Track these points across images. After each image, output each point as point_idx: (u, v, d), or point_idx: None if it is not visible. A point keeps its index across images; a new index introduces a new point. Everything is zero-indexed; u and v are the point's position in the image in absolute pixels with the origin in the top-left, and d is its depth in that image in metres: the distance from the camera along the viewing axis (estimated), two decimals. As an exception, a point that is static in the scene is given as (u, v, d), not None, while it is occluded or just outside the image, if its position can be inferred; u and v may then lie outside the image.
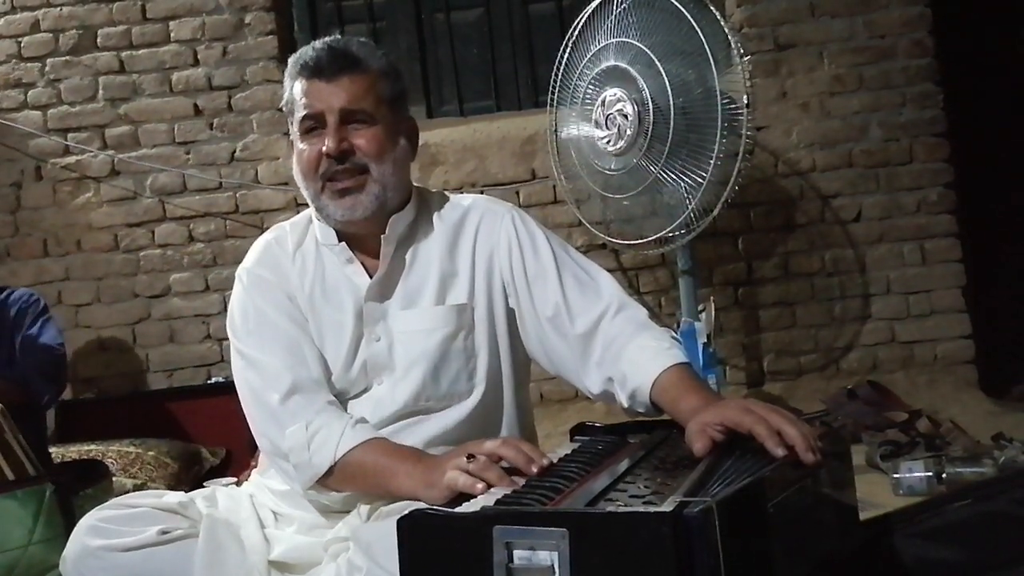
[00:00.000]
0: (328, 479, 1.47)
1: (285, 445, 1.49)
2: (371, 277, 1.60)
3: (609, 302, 1.57)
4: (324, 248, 1.63)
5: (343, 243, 1.62)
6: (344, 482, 1.47)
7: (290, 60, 1.61)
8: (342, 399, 1.57)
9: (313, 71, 1.56)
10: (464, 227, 1.65)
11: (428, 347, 1.56)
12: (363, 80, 1.56)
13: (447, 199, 1.70)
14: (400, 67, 1.67)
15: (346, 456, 1.45)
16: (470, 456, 1.31)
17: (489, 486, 1.26)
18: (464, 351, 1.58)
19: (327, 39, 1.61)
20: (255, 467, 1.72)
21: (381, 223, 1.59)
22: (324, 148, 1.55)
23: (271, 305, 1.59)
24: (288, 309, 1.59)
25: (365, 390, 1.58)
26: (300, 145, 1.59)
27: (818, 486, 1.27)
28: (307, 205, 1.69)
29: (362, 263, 1.62)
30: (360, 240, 1.62)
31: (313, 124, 1.57)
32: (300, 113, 1.57)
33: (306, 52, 1.59)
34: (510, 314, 1.63)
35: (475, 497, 1.24)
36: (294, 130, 1.61)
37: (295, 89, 1.58)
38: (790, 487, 1.18)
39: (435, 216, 1.66)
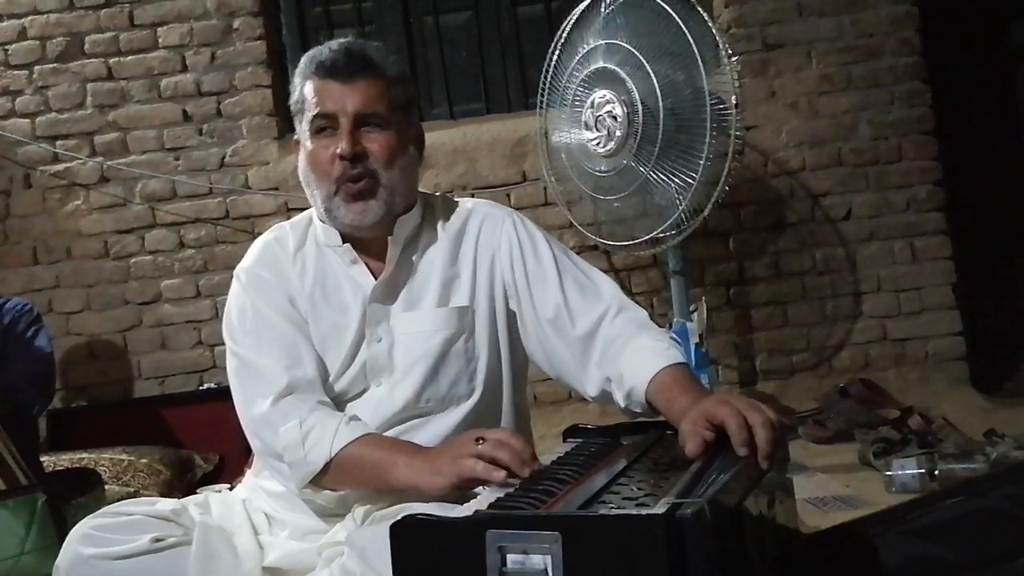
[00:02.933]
0: (323, 477, 1.47)
1: (279, 444, 1.48)
2: (375, 278, 1.60)
3: (609, 304, 1.58)
4: (326, 249, 1.63)
5: (347, 244, 1.62)
6: (340, 479, 1.47)
7: (303, 58, 1.61)
8: (341, 400, 1.57)
9: (328, 71, 1.56)
10: (466, 231, 1.66)
11: (429, 349, 1.57)
12: (378, 84, 1.57)
13: (450, 202, 1.72)
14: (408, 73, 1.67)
15: (342, 452, 1.45)
16: (479, 438, 1.31)
17: (507, 474, 1.26)
18: (465, 353, 1.59)
19: (343, 40, 1.61)
20: (250, 469, 1.71)
21: (388, 226, 1.60)
22: (338, 150, 1.55)
23: (269, 305, 1.59)
24: (286, 310, 1.59)
25: (363, 392, 1.58)
26: (310, 145, 1.59)
27: (775, 487, 1.28)
28: (297, 210, 1.69)
29: (366, 264, 1.62)
30: (364, 242, 1.62)
31: (325, 124, 1.57)
32: (312, 112, 1.57)
33: (321, 52, 1.59)
34: (511, 316, 1.63)
35: (474, 497, 1.24)
36: (303, 129, 1.60)
37: (307, 88, 1.58)
38: (761, 487, 1.19)
39: (438, 219, 1.67)
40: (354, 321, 1.58)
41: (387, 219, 1.59)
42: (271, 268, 1.62)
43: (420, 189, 1.72)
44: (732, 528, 1.05)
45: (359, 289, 1.60)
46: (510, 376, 1.64)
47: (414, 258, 1.63)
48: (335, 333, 1.58)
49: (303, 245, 1.65)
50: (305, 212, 1.71)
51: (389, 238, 1.60)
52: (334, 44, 1.60)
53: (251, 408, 1.53)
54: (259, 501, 1.61)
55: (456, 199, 1.74)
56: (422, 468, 1.38)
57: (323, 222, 1.64)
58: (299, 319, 1.59)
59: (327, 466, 1.46)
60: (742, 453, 1.23)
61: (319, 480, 1.47)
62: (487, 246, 1.64)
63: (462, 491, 1.35)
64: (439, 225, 1.66)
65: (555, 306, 1.59)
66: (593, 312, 1.57)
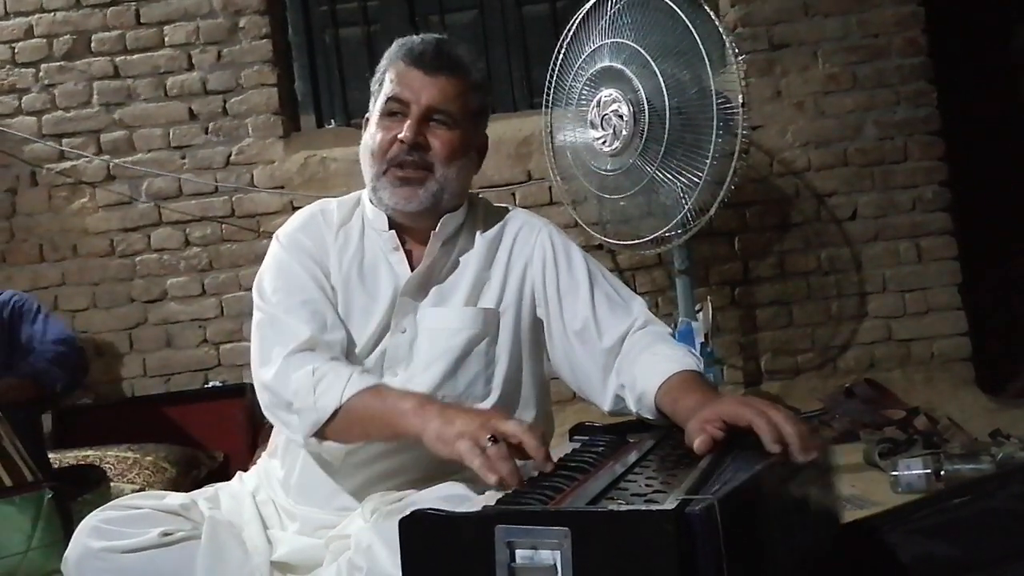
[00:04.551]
0: (331, 426, 1.45)
1: (290, 391, 1.47)
2: (412, 269, 1.61)
3: (636, 318, 1.60)
4: (370, 231, 1.64)
5: (392, 231, 1.63)
6: (348, 428, 1.45)
7: (396, 43, 1.63)
8: None
9: (415, 59, 1.58)
10: (503, 236, 1.67)
11: (451, 346, 1.57)
12: (458, 84, 1.59)
13: (492, 207, 1.73)
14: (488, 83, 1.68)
15: (352, 400, 1.43)
16: (492, 437, 1.29)
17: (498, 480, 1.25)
18: (485, 355, 1.59)
19: (436, 35, 1.63)
20: (265, 452, 1.71)
21: (432, 219, 1.61)
22: (400, 135, 1.56)
23: (305, 270, 1.59)
24: (319, 277, 1.59)
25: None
26: (375, 125, 1.60)
27: (806, 484, 1.27)
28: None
29: (407, 253, 1.63)
30: (408, 231, 1.64)
31: (397, 108, 1.58)
32: (387, 95, 1.58)
33: (413, 40, 1.61)
34: (537, 324, 1.64)
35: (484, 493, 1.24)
36: (374, 108, 1.62)
37: (391, 71, 1.60)
38: (783, 484, 1.18)
39: (479, 222, 1.68)
40: (382, 308, 1.59)
41: (432, 211, 1.60)
42: (312, 236, 1.64)
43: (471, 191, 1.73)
44: (746, 525, 1.04)
45: (394, 277, 1.61)
46: (530, 383, 1.64)
47: (451, 256, 1.64)
48: (362, 316, 1.59)
49: (347, 222, 1.66)
50: (355, 192, 1.72)
51: (432, 232, 1.61)
52: (428, 36, 1.62)
53: (266, 360, 1.52)
54: (270, 490, 1.62)
55: (498, 205, 1.75)
56: (430, 427, 1.35)
57: (372, 203, 1.65)
58: (330, 291, 1.59)
59: (335, 415, 1.44)
60: (775, 450, 1.21)
61: (326, 429, 1.45)
62: (521, 253, 1.65)
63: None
64: (479, 228, 1.67)
65: (583, 319, 1.60)
66: (620, 326, 1.59)
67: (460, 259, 1.64)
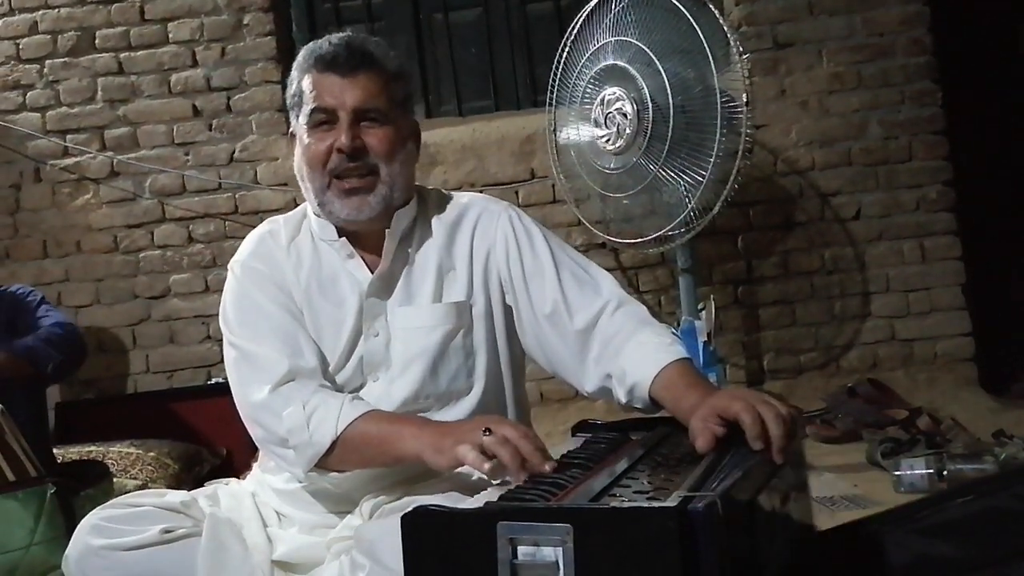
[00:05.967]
0: (329, 457, 1.45)
1: (283, 428, 1.47)
2: (371, 272, 1.59)
3: (608, 298, 1.57)
4: (321, 243, 1.62)
5: (343, 238, 1.61)
6: (346, 457, 1.46)
7: (303, 51, 1.60)
8: None
9: (329, 64, 1.55)
10: (462, 225, 1.64)
11: (427, 344, 1.56)
12: (378, 79, 1.56)
13: (445, 197, 1.70)
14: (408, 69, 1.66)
15: (347, 430, 1.44)
16: (487, 430, 1.30)
17: (495, 469, 1.26)
18: (463, 349, 1.58)
19: (343, 34, 1.60)
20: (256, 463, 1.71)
21: (385, 219, 1.59)
22: (337, 144, 1.54)
23: (265, 296, 1.57)
24: (283, 301, 1.57)
25: (360, 387, 1.57)
26: (307, 139, 1.57)
27: (790, 482, 1.28)
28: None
29: (362, 258, 1.61)
30: (359, 235, 1.61)
31: (324, 118, 1.55)
32: (310, 105, 1.56)
33: (322, 45, 1.58)
34: (508, 311, 1.62)
35: (482, 480, 1.24)
36: (300, 123, 1.59)
37: (306, 81, 1.57)
38: (774, 480, 1.19)
39: (434, 213, 1.65)
40: (351, 315, 1.57)
41: (384, 213, 1.58)
42: (266, 260, 1.61)
43: (418, 184, 1.71)
44: (744, 522, 1.04)
45: (356, 283, 1.59)
46: (510, 371, 1.63)
47: (410, 252, 1.62)
48: (332, 326, 1.57)
49: (296, 237, 1.64)
50: (300, 206, 1.70)
51: (387, 231, 1.59)
52: (334, 38, 1.58)
53: (250, 396, 1.52)
54: (267, 496, 1.61)
55: (452, 193, 1.72)
56: (427, 443, 1.38)
57: (318, 216, 1.63)
58: (296, 310, 1.58)
59: (333, 445, 1.44)
60: (757, 447, 1.23)
61: (325, 461, 1.46)
62: (483, 241, 1.63)
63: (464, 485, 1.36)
64: (434, 219, 1.65)
65: (553, 301, 1.57)
66: (591, 307, 1.56)
67: (420, 253, 1.61)
